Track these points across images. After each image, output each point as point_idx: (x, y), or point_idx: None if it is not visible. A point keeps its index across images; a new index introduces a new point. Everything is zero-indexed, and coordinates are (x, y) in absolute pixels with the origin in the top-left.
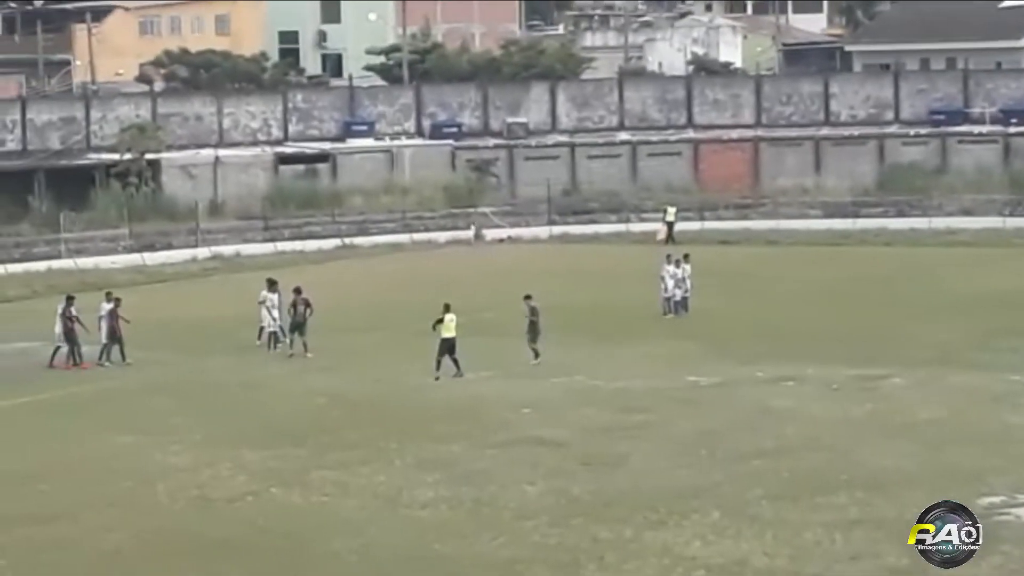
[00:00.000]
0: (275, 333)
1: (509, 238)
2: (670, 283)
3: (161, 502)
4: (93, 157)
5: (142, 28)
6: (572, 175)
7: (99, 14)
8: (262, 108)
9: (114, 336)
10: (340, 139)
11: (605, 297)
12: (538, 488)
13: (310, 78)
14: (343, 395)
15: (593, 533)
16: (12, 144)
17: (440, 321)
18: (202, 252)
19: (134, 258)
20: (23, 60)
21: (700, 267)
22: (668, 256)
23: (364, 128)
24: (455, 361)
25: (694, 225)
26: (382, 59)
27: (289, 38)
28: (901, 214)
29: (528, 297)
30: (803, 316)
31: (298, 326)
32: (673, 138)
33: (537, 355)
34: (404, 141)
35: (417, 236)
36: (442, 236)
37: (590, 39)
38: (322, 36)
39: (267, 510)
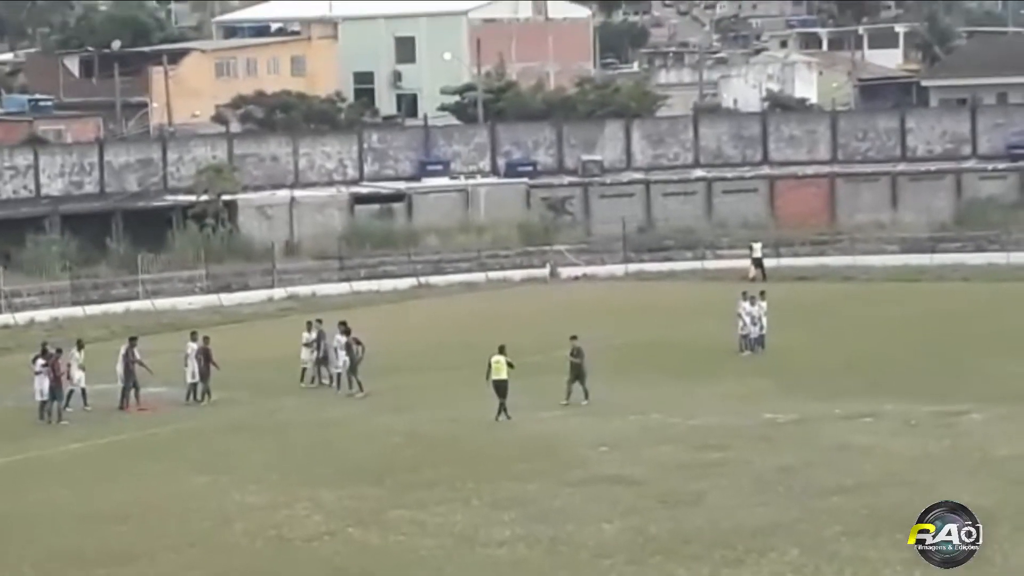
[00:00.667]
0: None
1: (584, 276)
2: (747, 320)
3: (239, 542)
4: (170, 199)
5: (218, 70)
6: (647, 212)
7: (175, 56)
8: (337, 148)
9: (206, 375)
10: (415, 178)
11: (681, 334)
12: (615, 526)
13: (385, 118)
14: (419, 434)
15: (670, 571)
16: (90, 187)
17: (489, 367)
18: (278, 292)
19: (211, 299)
20: (101, 103)
21: (776, 304)
22: (744, 293)
23: (439, 167)
24: (503, 405)
25: (770, 262)
26: (457, 98)
27: (364, 78)
28: (979, 249)
29: (574, 338)
30: (880, 352)
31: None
32: (749, 174)
33: (573, 395)
34: (479, 180)
35: (492, 275)
36: (517, 274)
37: (664, 76)
38: (397, 76)
39: (344, 550)
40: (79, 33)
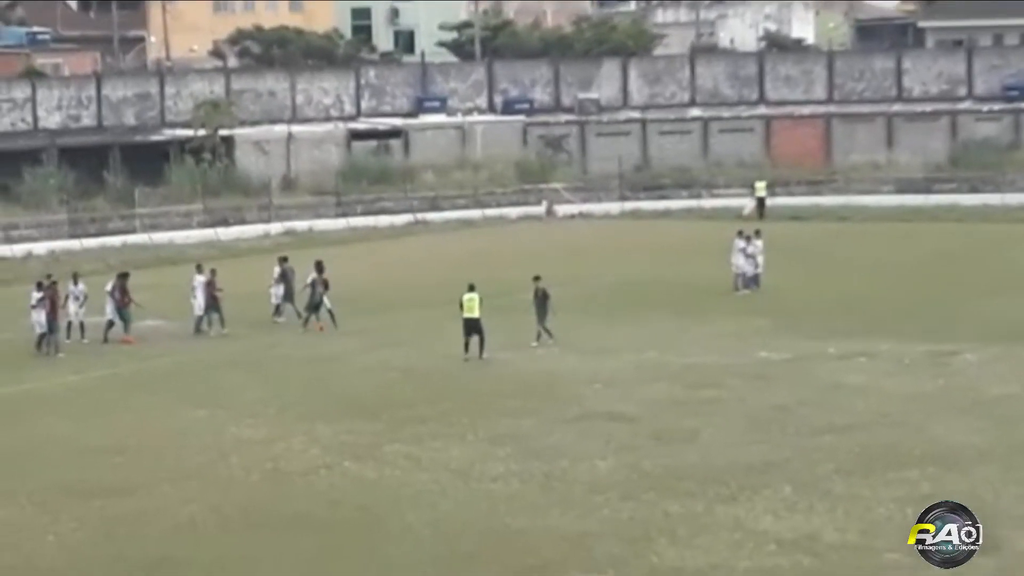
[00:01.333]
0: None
1: (580, 214)
2: (741, 259)
3: (235, 475)
4: (167, 133)
5: (216, 5)
6: (643, 151)
7: None
8: (335, 84)
9: (213, 306)
10: (412, 115)
11: (676, 273)
12: (609, 463)
13: (383, 54)
14: (415, 370)
15: (664, 507)
16: (88, 120)
17: (461, 305)
18: (275, 227)
19: (208, 233)
20: (98, 37)
21: (771, 243)
22: (740, 232)
23: (436, 104)
24: (481, 342)
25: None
26: (454, 35)
27: (362, 15)
28: (974, 190)
29: (537, 279)
30: (875, 292)
31: (315, 306)
32: (745, 114)
33: (539, 336)
34: (476, 117)
35: (489, 212)
36: (514, 212)
37: (661, 15)
38: (394, 13)
39: (340, 484)
40: None
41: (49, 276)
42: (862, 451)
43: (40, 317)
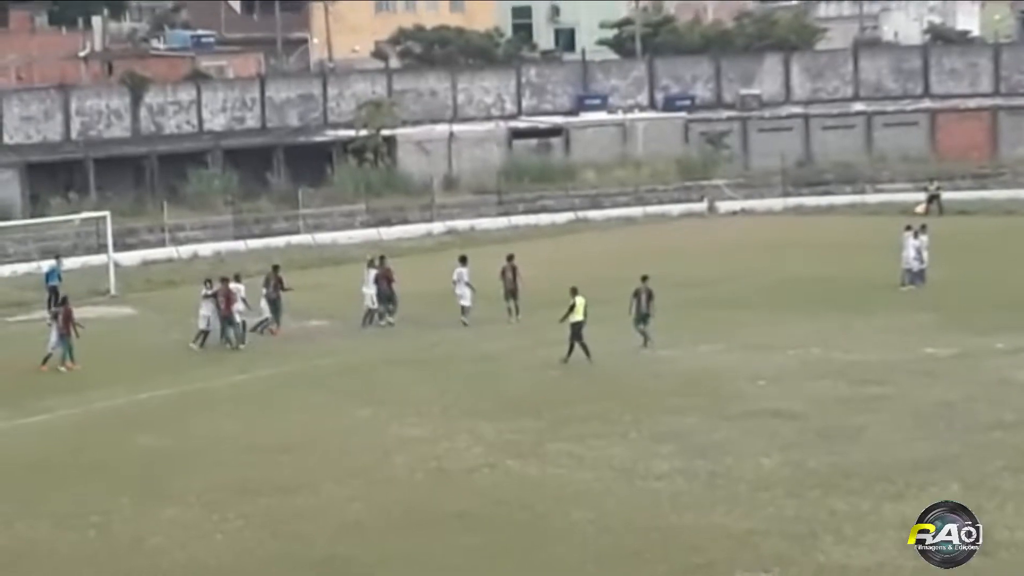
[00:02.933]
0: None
1: (742, 210)
2: (911, 253)
3: (399, 474)
4: (330, 134)
5: (378, 5)
6: (806, 146)
7: None
8: (496, 83)
9: (388, 298)
10: (573, 113)
11: (840, 269)
12: (774, 460)
13: (543, 53)
14: (577, 368)
15: (830, 505)
16: (252, 122)
17: (571, 308)
18: (437, 227)
19: (370, 233)
20: (262, 39)
21: (937, 238)
22: (908, 226)
23: (597, 102)
24: (584, 347)
25: None
26: (615, 32)
27: (522, 13)
28: None
29: (645, 278)
30: None
31: (511, 293)
32: (909, 108)
33: (645, 340)
34: (637, 114)
35: (650, 209)
36: (675, 209)
37: (824, 9)
38: (555, 11)
39: (504, 482)
40: None
41: (223, 278)
42: None
43: (208, 312)
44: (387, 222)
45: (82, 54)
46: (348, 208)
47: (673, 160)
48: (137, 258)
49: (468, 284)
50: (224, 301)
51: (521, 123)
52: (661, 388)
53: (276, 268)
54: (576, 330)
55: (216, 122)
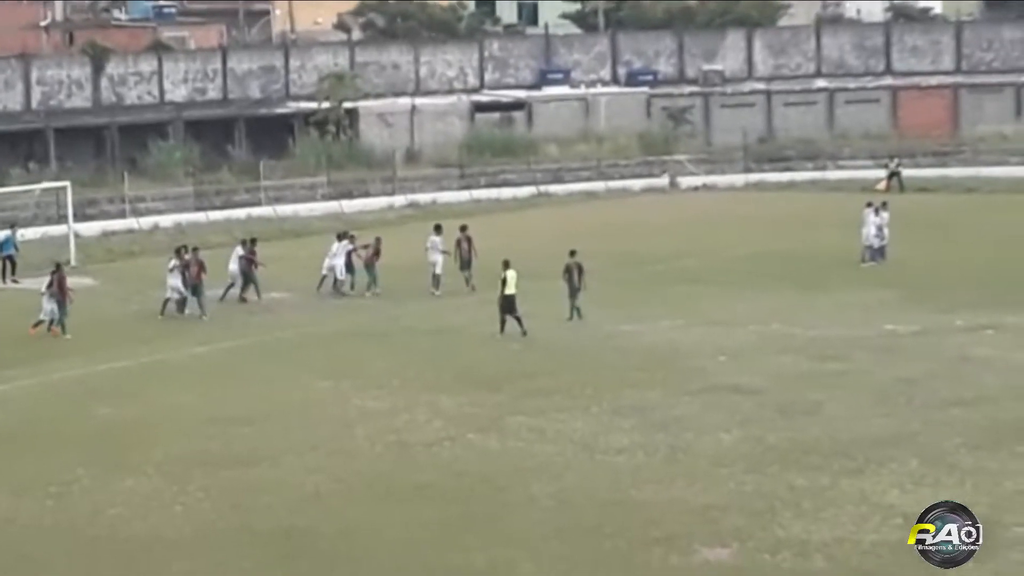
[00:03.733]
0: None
1: (704, 186)
2: (871, 231)
3: (360, 446)
4: (292, 106)
5: None
6: (768, 123)
7: None
8: (458, 56)
9: (368, 269)
10: (535, 87)
11: (801, 245)
12: (734, 435)
13: (506, 27)
14: (539, 342)
15: (789, 481)
16: (213, 93)
17: (503, 282)
18: (398, 200)
19: (332, 206)
20: (224, 10)
21: (898, 215)
22: (869, 203)
23: (559, 76)
24: (518, 319)
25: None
26: (578, 7)
27: None
28: None
29: (573, 253)
30: (1002, 264)
31: (466, 264)
32: (871, 85)
33: (571, 314)
34: (599, 89)
35: (612, 184)
36: (637, 184)
37: None
38: None
39: (464, 455)
40: None
41: (189, 247)
42: (990, 424)
43: (176, 282)
44: (349, 195)
45: (43, 24)
46: (310, 180)
47: (635, 135)
48: (97, 229)
49: (443, 251)
50: (196, 270)
51: (483, 97)
52: (622, 363)
53: (253, 241)
54: (508, 303)
55: (177, 93)
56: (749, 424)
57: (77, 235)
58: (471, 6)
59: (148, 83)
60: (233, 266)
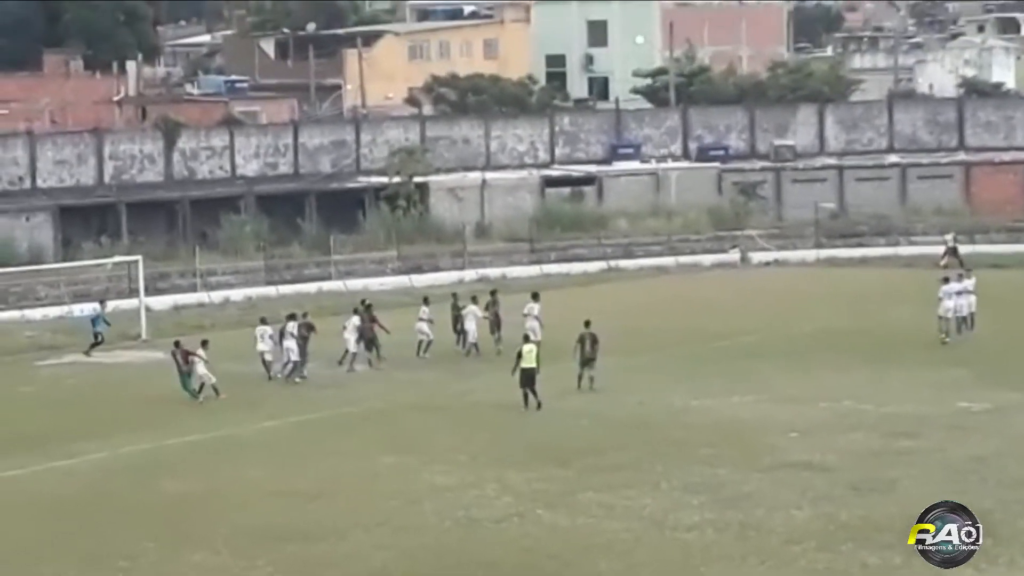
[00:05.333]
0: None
1: (775, 261)
2: (950, 304)
3: (428, 522)
4: (363, 180)
5: (411, 52)
6: (840, 198)
7: (369, 39)
8: (529, 131)
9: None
10: (606, 162)
11: (873, 321)
12: (806, 512)
13: (577, 101)
14: (608, 417)
15: (862, 559)
16: (284, 168)
17: (518, 356)
18: (469, 274)
19: (402, 280)
20: (295, 85)
21: None
22: (945, 278)
23: (630, 151)
24: (534, 393)
25: (965, 248)
26: (648, 82)
27: (556, 61)
28: None
29: (587, 324)
30: None
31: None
32: (944, 160)
33: (581, 382)
34: (670, 164)
35: (682, 259)
36: (707, 259)
37: (859, 61)
38: (589, 59)
39: (533, 531)
40: (275, 15)
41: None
42: None
43: (291, 344)
44: (418, 269)
45: (116, 98)
46: (379, 255)
47: (706, 210)
48: (168, 302)
49: (537, 318)
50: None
51: (554, 171)
52: (692, 438)
53: (368, 307)
54: (526, 377)
55: (249, 167)
56: (821, 501)
57: (148, 309)
58: (542, 81)
59: (220, 157)
60: (348, 335)
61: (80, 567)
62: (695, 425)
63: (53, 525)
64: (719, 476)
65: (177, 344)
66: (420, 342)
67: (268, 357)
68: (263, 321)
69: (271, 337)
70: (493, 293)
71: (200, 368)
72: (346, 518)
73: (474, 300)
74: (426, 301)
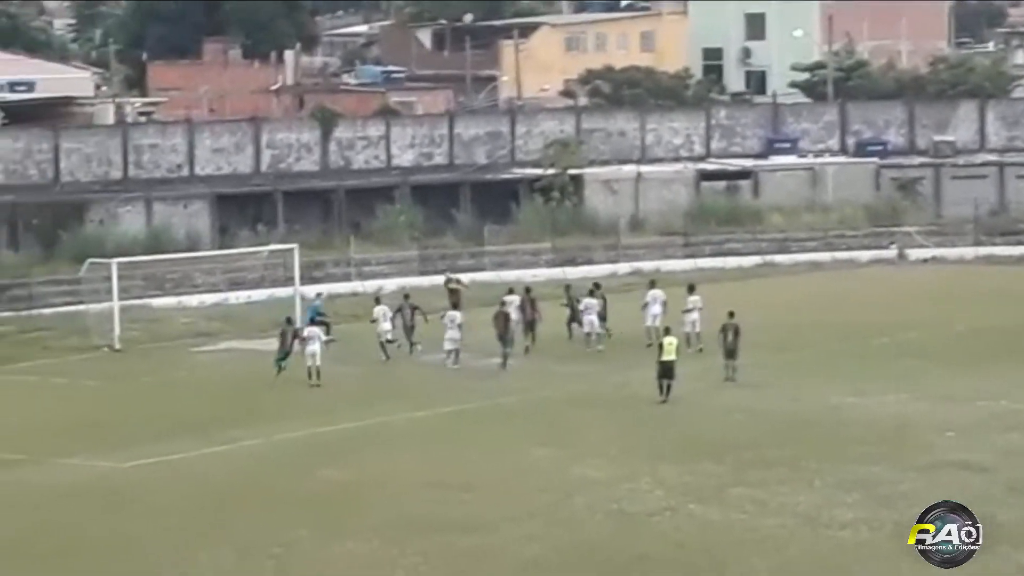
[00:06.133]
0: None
1: (933, 258)
2: None
3: (579, 515)
4: (517, 171)
5: (568, 44)
6: (1000, 195)
7: (526, 30)
8: (685, 124)
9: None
10: (762, 156)
11: None
12: None
13: (733, 95)
14: (762, 412)
15: (1018, 560)
16: (440, 158)
17: (660, 347)
18: (622, 267)
19: (555, 272)
20: (452, 76)
21: None
22: None
23: (787, 145)
24: (668, 386)
25: None
26: (806, 76)
27: (713, 55)
28: None
29: (731, 315)
30: None
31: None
32: None
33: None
34: (827, 159)
35: (839, 255)
36: (864, 255)
37: (1021, 57)
38: (746, 53)
39: (684, 526)
40: (432, 6)
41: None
42: None
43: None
44: (572, 261)
45: (274, 87)
46: (533, 246)
47: (863, 205)
48: (323, 291)
49: (700, 309)
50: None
51: (710, 165)
52: (847, 436)
53: (528, 290)
54: (665, 369)
55: (404, 158)
56: (978, 502)
57: (303, 297)
58: (698, 74)
59: (375, 147)
60: (514, 314)
61: (235, 553)
62: (850, 422)
63: (209, 511)
64: (874, 474)
65: (289, 321)
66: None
67: (389, 337)
68: (378, 301)
69: (390, 318)
70: (528, 291)
71: (313, 347)
72: (497, 510)
73: (591, 293)
74: (691, 290)
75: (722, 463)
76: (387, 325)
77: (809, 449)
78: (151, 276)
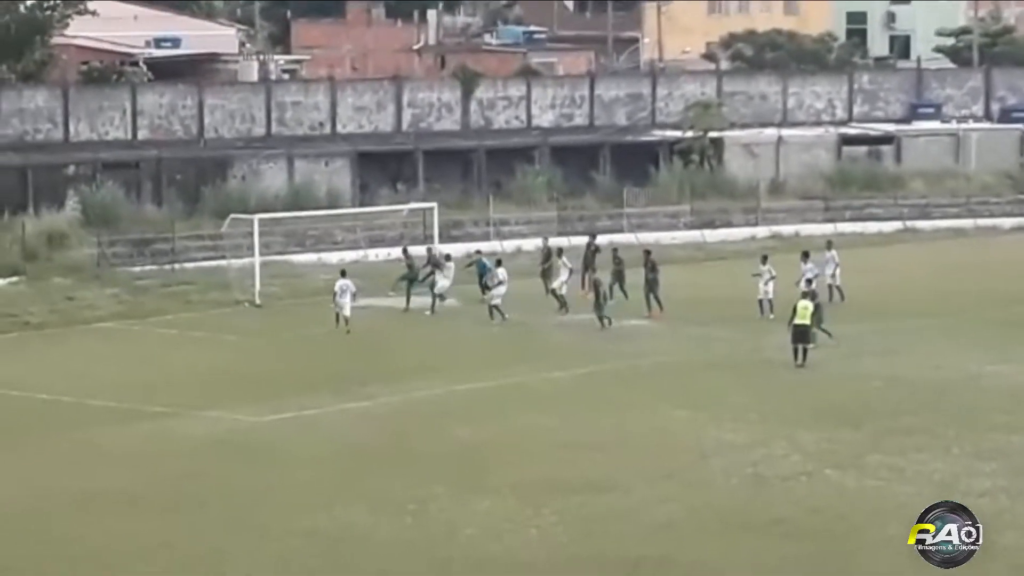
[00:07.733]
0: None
1: None
2: None
3: (714, 478)
4: (657, 134)
5: (710, 7)
6: None
7: None
8: (827, 88)
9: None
10: (905, 121)
11: None
12: None
13: (877, 59)
14: (901, 379)
15: None
16: (580, 119)
17: (794, 311)
18: (761, 231)
19: (694, 235)
20: (593, 37)
21: None
22: None
23: (930, 111)
24: (804, 351)
25: None
26: (951, 41)
27: (857, 19)
28: None
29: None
30: None
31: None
32: None
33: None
34: (971, 125)
35: (981, 222)
36: (1007, 222)
37: None
38: (891, 17)
39: (820, 491)
40: None
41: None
42: None
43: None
44: (711, 224)
45: (416, 47)
46: (672, 209)
47: (1006, 173)
48: (462, 250)
49: (837, 263)
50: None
51: (851, 129)
52: (987, 404)
53: (648, 252)
54: (799, 333)
55: (544, 118)
56: None
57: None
58: (842, 38)
59: (516, 108)
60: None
61: (370, 507)
62: (990, 390)
63: (347, 465)
64: (1013, 443)
65: (404, 251)
66: (760, 301)
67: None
68: (343, 274)
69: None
70: (648, 252)
71: (344, 299)
72: (632, 471)
73: (764, 260)
74: (829, 245)
75: (859, 430)
76: (346, 299)
77: (948, 417)
78: (292, 232)
